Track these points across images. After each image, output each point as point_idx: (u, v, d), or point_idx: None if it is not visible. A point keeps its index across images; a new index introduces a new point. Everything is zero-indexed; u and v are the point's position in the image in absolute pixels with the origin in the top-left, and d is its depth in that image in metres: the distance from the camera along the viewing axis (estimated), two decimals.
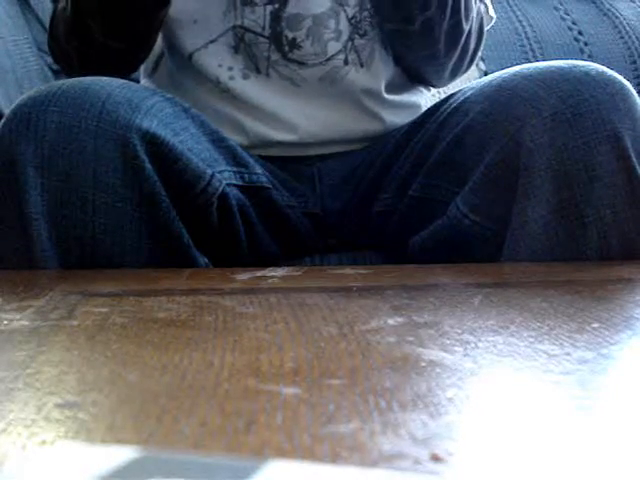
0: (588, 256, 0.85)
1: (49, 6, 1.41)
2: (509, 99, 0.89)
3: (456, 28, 1.04)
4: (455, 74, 1.11)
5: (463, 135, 0.93)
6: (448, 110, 0.97)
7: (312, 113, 1.05)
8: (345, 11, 1.04)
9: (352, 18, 1.04)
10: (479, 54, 1.12)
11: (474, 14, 1.06)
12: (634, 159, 0.85)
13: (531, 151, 0.85)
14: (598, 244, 0.85)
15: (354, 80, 1.05)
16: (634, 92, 0.88)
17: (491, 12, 1.13)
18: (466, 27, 1.04)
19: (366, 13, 1.05)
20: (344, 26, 1.04)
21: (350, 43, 1.04)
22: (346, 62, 1.04)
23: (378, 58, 1.06)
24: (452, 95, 1.01)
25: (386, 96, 1.07)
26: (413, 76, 1.12)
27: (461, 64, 1.09)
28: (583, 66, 0.89)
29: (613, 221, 0.85)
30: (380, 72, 1.07)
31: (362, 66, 1.05)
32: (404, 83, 1.11)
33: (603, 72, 0.88)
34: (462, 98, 0.97)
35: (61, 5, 1.03)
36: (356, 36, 1.04)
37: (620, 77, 0.88)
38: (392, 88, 1.09)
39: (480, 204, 0.89)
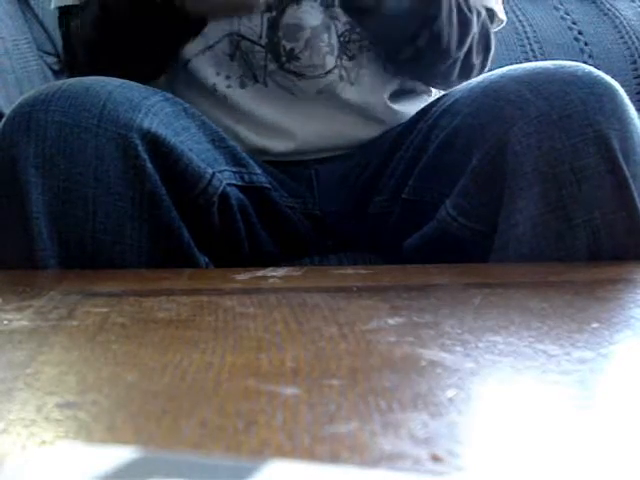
0: (578, 258, 0.85)
1: (49, 6, 1.41)
2: (496, 101, 0.89)
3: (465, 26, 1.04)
4: (467, 74, 1.10)
5: (452, 138, 0.93)
6: (438, 112, 0.97)
7: (309, 124, 1.04)
8: (336, 26, 1.03)
9: (341, 35, 1.03)
10: (490, 58, 1.11)
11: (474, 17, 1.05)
12: (621, 160, 0.84)
13: (518, 153, 0.85)
14: (587, 246, 0.85)
15: (348, 96, 1.04)
16: (622, 92, 0.88)
17: (501, 16, 1.12)
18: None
19: (356, 36, 1.04)
20: (334, 41, 1.03)
21: (340, 60, 1.04)
22: (341, 77, 1.04)
23: (367, 80, 1.05)
24: (443, 96, 1.01)
25: (390, 105, 1.07)
26: (420, 80, 1.11)
27: (469, 63, 1.08)
28: (570, 67, 0.89)
29: (602, 222, 0.84)
30: (373, 89, 1.06)
31: (352, 84, 1.05)
32: (405, 95, 1.10)
33: (590, 72, 0.87)
34: (452, 100, 0.96)
35: (77, 24, 1.02)
36: (344, 56, 1.04)
37: (608, 77, 0.88)
38: (393, 100, 1.08)
39: (468, 207, 0.89)
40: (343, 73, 1.04)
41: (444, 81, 1.09)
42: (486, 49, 1.10)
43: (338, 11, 1.02)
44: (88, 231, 0.85)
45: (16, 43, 1.38)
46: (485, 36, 1.09)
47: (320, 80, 1.03)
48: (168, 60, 1.04)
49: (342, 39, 1.03)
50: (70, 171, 0.84)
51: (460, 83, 1.10)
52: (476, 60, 1.08)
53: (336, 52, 1.03)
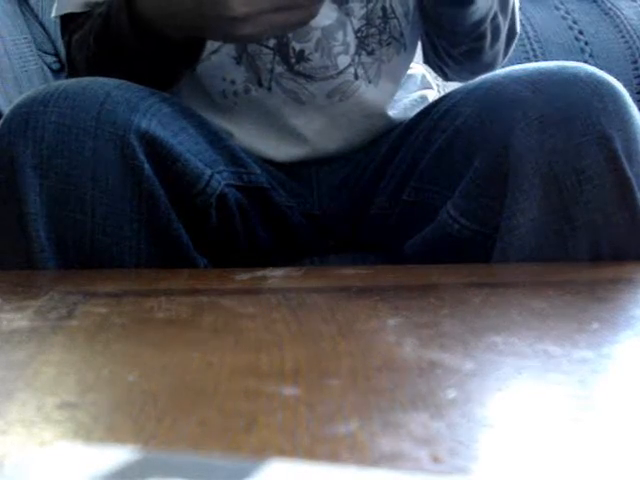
0: (579, 259, 0.85)
1: (49, 6, 1.41)
2: (497, 102, 0.88)
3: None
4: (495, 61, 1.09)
5: (453, 139, 0.93)
6: (439, 113, 0.97)
7: (315, 131, 1.03)
8: (351, 22, 1.01)
9: (358, 31, 1.01)
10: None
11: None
12: (624, 160, 0.84)
13: (519, 155, 0.84)
14: (589, 247, 0.85)
15: (364, 95, 1.03)
16: (625, 93, 0.87)
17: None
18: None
19: (374, 30, 1.02)
20: (351, 38, 1.01)
21: (357, 57, 1.02)
22: (356, 77, 1.03)
23: (385, 77, 1.04)
24: (444, 97, 1.00)
25: (389, 113, 1.06)
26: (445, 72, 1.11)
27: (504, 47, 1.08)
28: (572, 68, 0.88)
29: (603, 224, 0.84)
30: (387, 89, 1.05)
31: (370, 82, 1.04)
32: (404, 97, 1.10)
33: (592, 73, 0.87)
34: (453, 101, 0.96)
35: (77, 39, 0.99)
36: (363, 52, 1.02)
37: (610, 78, 0.88)
38: (395, 105, 1.08)
39: (470, 208, 0.89)
40: (360, 71, 1.03)
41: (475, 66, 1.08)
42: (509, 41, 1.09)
43: (353, 6, 1.01)
44: (86, 232, 0.84)
45: (16, 43, 1.38)
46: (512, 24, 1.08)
47: (332, 81, 1.02)
48: (175, 80, 1.00)
49: (359, 35, 1.02)
50: (68, 172, 0.83)
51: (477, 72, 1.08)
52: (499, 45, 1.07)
53: (352, 49, 1.01)
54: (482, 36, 1.02)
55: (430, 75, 1.18)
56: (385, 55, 1.03)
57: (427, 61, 1.14)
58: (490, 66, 1.06)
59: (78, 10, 1.01)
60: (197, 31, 0.89)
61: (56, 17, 1.05)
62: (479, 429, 0.36)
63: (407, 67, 1.09)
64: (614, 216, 0.84)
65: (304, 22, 0.86)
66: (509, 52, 1.10)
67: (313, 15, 0.84)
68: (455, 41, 1.05)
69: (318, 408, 0.38)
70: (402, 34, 1.04)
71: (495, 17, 1.02)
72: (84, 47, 0.98)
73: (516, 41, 1.11)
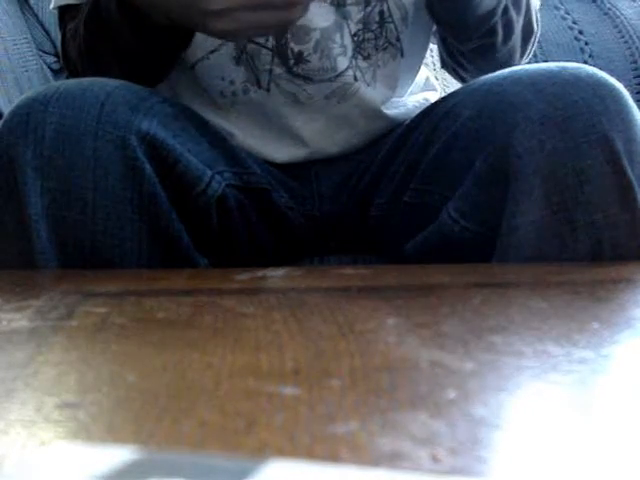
0: (580, 260, 0.85)
1: (49, 6, 1.41)
2: (498, 103, 0.88)
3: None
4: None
5: (453, 141, 0.92)
6: (440, 114, 0.97)
7: (314, 132, 1.03)
8: (348, 26, 1.01)
9: (354, 35, 1.01)
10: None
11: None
12: (625, 161, 0.84)
13: (520, 156, 0.84)
14: (590, 248, 0.84)
15: (364, 97, 1.03)
16: (626, 93, 0.87)
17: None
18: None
19: (370, 34, 1.02)
20: (348, 41, 1.01)
21: (354, 60, 1.03)
22: (355, 78, 1.03)
23: (381, 82, 1.04)
24: (444, 98, 1.00)
25: (390, 114, 1.06)
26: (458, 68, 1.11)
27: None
28: (573, 68, 0.88)
29: (604, 225, 0.84)
30: (383, 93, 1.05)
31: (368, 85, 1.04)
32: (406, 99, 1.10)
33: (593, 74, 0.87)
34: (453, 102, 0.96)
35: (71, 28, 1.00)
36: (359, 56, 1.02)
37: (611, 79, 0.88)
38: (397, 106, 1.08)
39: (470, 210, 0.89)
40: (358, 74, 1.03)
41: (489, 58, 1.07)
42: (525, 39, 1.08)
43: (350, 10, 1.01)
44: (87, 233, 0.84)
45: (15, 43, 1.38)
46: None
47: (330, 83, 1.01)
48: (166, 68, 1.00)
49: (356, 38, 1.02)
50: (68, 173, 0.83)
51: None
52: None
53: (350, 53, 1.01)
54: (493, 31, 1.01)
55: (434, 78, 1.17)
56: (381, 60, 1.03)
57: (444, 65, 1.14)
58: (506, 65, 1.05)
59: (74, 2, 1.02)
60: (181, 20, 0.89)
61: (54, 9, 1.06)
62: (479, 429, 0.36)
63: (406, 73, 1.08)
64: (615, 217, 0.84)
65: (282, 25, 0.86)
66: (527, 52, 1.09)
67: (291, 20, 0.84)
68: (465, 37, 1.04)
69: (318, 408, 0.38)
70: (399, 39, 1.04)
71: (506, 12, 1.01)
72: (77, 36, 0.98)
73: (535, 40, 1.10)
